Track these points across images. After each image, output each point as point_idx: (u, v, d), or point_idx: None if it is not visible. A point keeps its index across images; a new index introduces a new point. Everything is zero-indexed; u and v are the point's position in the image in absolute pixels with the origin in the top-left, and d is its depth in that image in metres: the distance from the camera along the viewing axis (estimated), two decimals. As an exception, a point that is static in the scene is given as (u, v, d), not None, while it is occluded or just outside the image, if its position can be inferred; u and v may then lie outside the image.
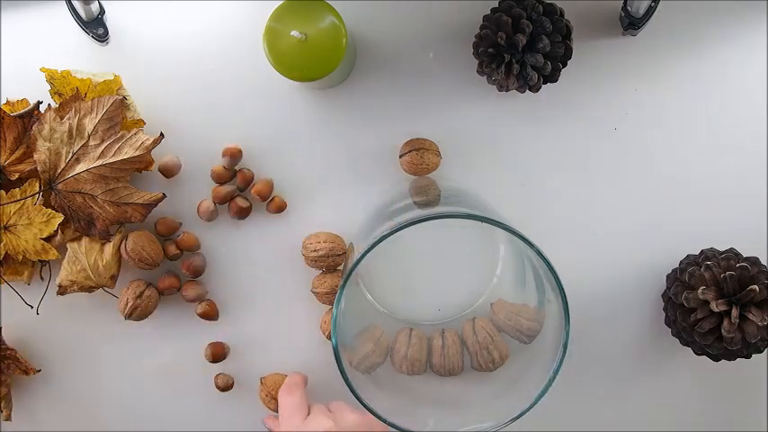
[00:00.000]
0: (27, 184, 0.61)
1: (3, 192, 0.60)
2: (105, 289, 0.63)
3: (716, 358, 0.60)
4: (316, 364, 0.65)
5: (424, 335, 0.62)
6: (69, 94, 0.61)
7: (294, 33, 0.56)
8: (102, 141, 0.60)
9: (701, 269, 0.58)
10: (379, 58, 0.63)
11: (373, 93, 0.63)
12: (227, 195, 0.63)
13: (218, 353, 0.64)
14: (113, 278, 0.63)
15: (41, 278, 0.64)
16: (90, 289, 0.62)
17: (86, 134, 0.59)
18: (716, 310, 0.56)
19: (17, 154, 0.60)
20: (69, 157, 0.59)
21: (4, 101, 0.62)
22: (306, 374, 0.64)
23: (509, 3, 0.57)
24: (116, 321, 0.65)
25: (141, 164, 0.61)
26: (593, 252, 0.64)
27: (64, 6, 0.61)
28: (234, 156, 0.63)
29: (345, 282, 0.49)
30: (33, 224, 0.60)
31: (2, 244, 0.61)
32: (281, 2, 0.56)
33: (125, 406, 0.67)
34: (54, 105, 0.60)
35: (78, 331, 0.66)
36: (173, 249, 0.63)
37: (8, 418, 0.64)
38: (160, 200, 0.62)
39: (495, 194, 0.63)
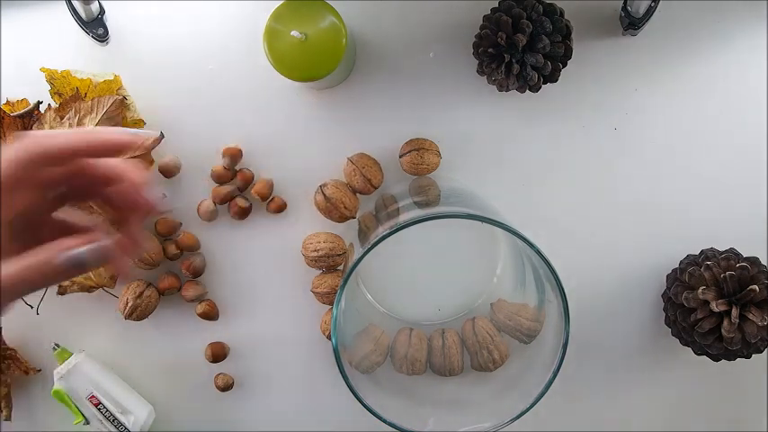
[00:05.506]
0: (27, 184, 0.61)
1: (3, 192, 0.60)
2: (105, 289, 0.63)
3: (716, 358, 0.60)
4: (316, 364, 0.65)
5: (424, 335, 0.62)
6: (69, 94, 0.60)
7: (294, 33, 0.56)
8: (102, 141, 0.59)
9: (701, 269, 0.58)
10: (379, 58, 0.63)
11: (373, 93, 0.63)
12: (227, 195, 0.63)
13: (218, 353, 0.64)
14: (113, 278, 0.63)
15: (41, 278, 0.64)
16: (90, 289, 0.62)
17: (86, 134, 0.59)
18: (716, 310, 0.56)
19: (17, 154, 0.60)
20: (69, 157, 0.59)
21: (4, 101, 0.62)
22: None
23: (509, 3, 0.57)
24: (116, 321, 0.65)
25: (141, 164, 0.61)
26: (593, 252, 0.64)
27: (64, 6, 0.61)
28: (234, 156, 0.63)
29: (345, 282, 0.49)
30: (33, 224, 0.60)
31: (2, 244, 0.61)
32: (281, 2, 0.56)
33: (125, 406, 0.67)
34: (54, 105, 0.60)
35: (78, 331, 0.66)
36: (173, 249, 0.63)
37: (8, 418, 0.64)
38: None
39: (495, 194, 0.63)
